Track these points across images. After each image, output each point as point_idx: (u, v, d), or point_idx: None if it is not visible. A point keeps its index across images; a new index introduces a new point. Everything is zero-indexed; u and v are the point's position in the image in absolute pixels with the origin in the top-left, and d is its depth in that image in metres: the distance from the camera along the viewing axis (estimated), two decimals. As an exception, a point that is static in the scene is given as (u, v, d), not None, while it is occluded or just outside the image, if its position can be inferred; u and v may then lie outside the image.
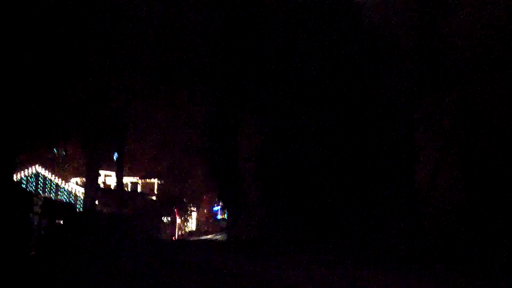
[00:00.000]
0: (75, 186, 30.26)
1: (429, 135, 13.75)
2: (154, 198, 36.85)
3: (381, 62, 15.37)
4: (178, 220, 36.40)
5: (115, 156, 33.92)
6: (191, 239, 32.46)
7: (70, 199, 28.77)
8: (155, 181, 38.84)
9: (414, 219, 13.56)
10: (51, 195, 27.59)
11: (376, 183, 14.43)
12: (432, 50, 14.65)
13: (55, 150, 31.45)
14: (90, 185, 28.60)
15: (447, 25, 14.49)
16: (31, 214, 14.90)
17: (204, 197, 39.34)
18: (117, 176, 34.43)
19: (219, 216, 37.89)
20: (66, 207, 22.13)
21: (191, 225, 39.23)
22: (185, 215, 38.25)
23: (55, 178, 28.90)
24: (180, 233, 36.10)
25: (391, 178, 14.29)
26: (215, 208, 38.58)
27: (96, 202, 29.22)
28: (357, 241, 13.79)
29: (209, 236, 31.25)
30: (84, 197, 28.20)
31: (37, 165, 28.24)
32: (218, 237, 28.19)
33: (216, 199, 35.45)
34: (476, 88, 13.86)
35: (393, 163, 14.33)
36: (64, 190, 28.97)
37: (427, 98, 14.34)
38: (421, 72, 14.28)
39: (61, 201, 26.79)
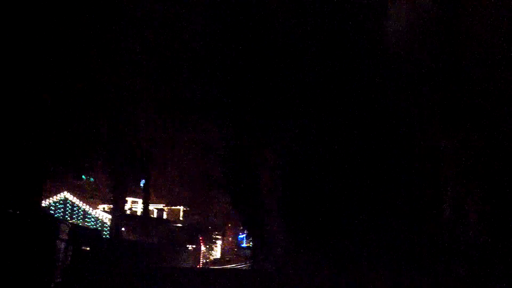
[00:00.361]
0: (102, 213, 30.56)
1: (454, 170, 13.60)
2: (179, 225, 36.95)
3: (407, 100, 15.34)
4: (203, 248, 36.34)
5: (142, 183, 34.32)
6: (215, 267, 32.33)
7: (97, 225, 29.05)
8: (181, 208, 39.02)
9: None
10: (79, 221, 27.90)
11: (401, 214, 14.19)
12: (458, 89, 14.59)
13: (83, 177, 31.99)
14: (117, 212, 28.89)
15: (475, 66, 14.45)
16: (58, 241, 15.11)
17: (229, 224, 39.29)
18: (143, 203, 34.77)
19: (244, 244, 37.70)
20: (93, 234, 22.33)
21: (216, 253, 39.10)
22: (209, 243, 38.18)
23: (83, 205, 29.25)
24: (204, 261, 35.99)
25: (416, 213, 14.06)
26: (240, 236, 38.43)
27: (123, 228, 29.45)
28: (384, 273, 13.48)
29: (233, 265, 31.09)
30: (111, 224, 28.45)
31: (65, 192, 28.67)
32: (243, 266, 28.03)
33: (241, 227, 35.38)
34: (502, 124, 13.72)
35: (418, 197, 14.11)
36: (92, 216, 29.28)
37: (452, 131, 14.21)
38: (446, 110, 14.21)
39: (88, 227, 27.07)
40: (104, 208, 33.03)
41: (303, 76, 17.18)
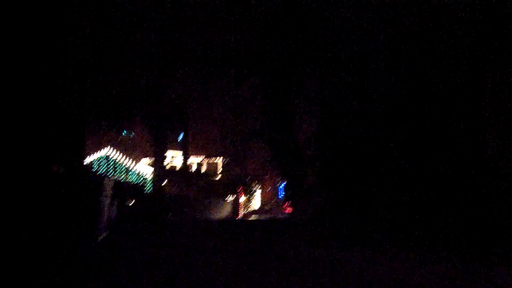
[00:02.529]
0: (143, 168, 31.25)
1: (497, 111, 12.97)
2: (219, 178, 37.57)
3: (444, 33, 14.56)
4: (243, 198, 36.94)
5: (181, 136, 34.79)
6: (253, 218, 32.92)
7: (139, 180, 29.78)
8: (219, 160, 39.54)
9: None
10: (121, 177, 28.64)
11: (441, 170, 13.69)
12: (501, 16, 13.68)
13: (123, 133, 32.61)
14: (157, 166, 29.49)
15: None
16: (101, 197, 15.60)
17: (268, 175, 39.62)
18: (183, 156, 35.39)
19: (282, 195, 38.03)
20: (135, 189, 22.93)
21: (255, 204, 39.71)
22: (248, 194, 38.74)
23: (124, 160, 29.90)
24: (243, 213, 36.67)
25: (455, 167, 13.50)
26: (280, 187, 38.76)
27: (163, 183, 30.15)
28: (419, 234, 12.94)
29: (271, 216, 31.54)
30: (152, 178, 29.13)
31: (106, 148, 29.33)
32: (281, 216, 28.40)
33: (279, 178, 35.63)
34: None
35: (459, 156, 13.49)
36: (133, 171, 29.99)
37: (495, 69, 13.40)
38: (489, 42, 13.34)
39: (130, 182, 27.78)
40: (145, 163, 33.78)
41: (341, 24, 16.67)
